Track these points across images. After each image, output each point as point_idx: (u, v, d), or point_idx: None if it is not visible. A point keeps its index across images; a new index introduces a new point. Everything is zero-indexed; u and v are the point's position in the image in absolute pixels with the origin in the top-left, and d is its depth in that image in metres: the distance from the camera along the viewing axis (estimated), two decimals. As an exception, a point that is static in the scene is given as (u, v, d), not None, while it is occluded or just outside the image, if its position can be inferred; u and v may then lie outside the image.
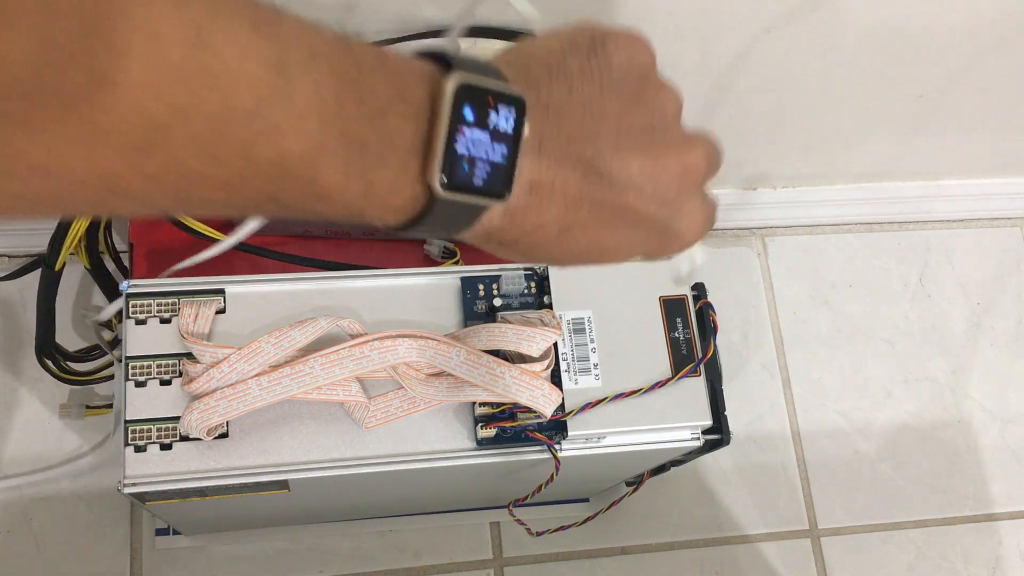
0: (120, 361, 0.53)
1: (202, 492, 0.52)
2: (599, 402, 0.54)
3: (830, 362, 0.98)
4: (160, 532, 0.81)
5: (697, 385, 0.56)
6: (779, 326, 0.99)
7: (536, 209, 0.31)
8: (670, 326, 0.57)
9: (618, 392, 0.54)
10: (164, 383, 0.52)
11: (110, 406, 0.80)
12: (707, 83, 0.75)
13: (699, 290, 0.59)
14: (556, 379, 0.54)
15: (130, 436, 0.51)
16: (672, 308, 0.57)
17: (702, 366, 0.56)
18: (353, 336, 0.53)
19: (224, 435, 0.52)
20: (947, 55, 0.75)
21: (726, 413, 0.57)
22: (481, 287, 0.56)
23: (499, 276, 0.57)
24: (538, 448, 0.54)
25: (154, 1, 0.22)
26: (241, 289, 0.54)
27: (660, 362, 0.56)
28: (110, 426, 0.79)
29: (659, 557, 0.88)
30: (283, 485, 0.53)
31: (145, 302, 0.53)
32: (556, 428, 0.54)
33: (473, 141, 0.28)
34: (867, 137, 0.89)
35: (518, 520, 0.64)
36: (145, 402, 0.51)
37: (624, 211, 0.33)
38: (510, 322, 0.53)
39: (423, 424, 0.54)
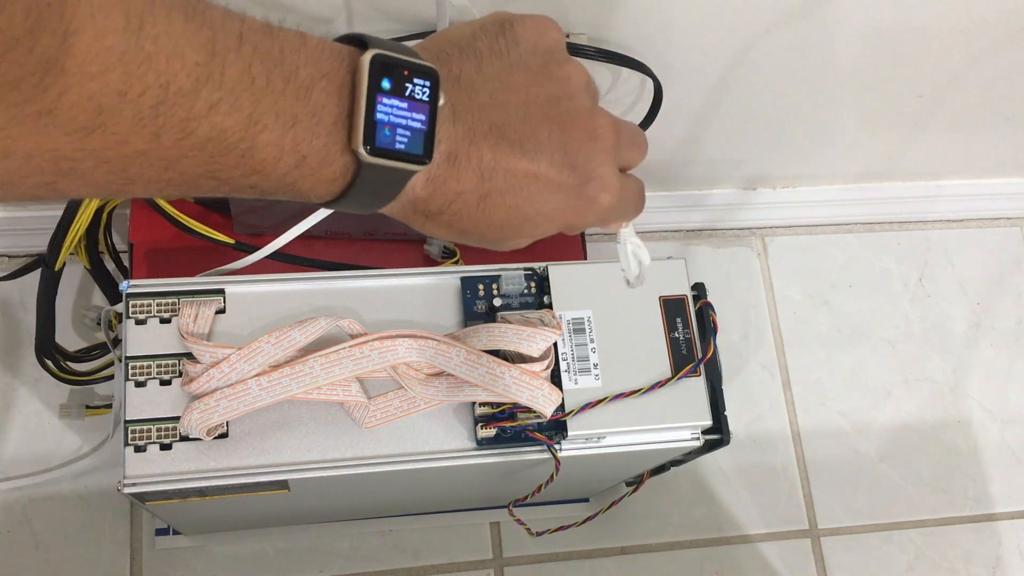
0: (120, 361, 0.53)
1: (202, 492, 0.52)
2: (599, 402, 0.54)
3: (830, 362, 0.98)
4: (160, 532, 0.81)
5: (697, 385, 0.56)
6: (779, 326, 0.99)
7: (455, 176, 0.33)
8: (670, 326, 0.57)
9: (618, 392, 0.54)
10: (164, 383, 0.52)
11: (110, 406, 0.80)
12: (707, 83, 0.75)
13: (699, 290, 0.59)
14: (556, 379, 0.54)
15: (130, 436, 0.51)
16: (672, 308, 0.57)
17: (702, 366, 0.56)
18: (353, 336, 0.53)
19: (224, 435, 0.52)
20: (947, 55, 0.75)
21: (726, 413, 0.57)
22: (481, 287, 0.56)
23: (499, 276, 0.57)
24: (538, 448, 0.54)
25: None
26: (241, 289, 0.54)
27: (660, 362, 0.56)
28: (110, 426, 0.79)
29: (659, 557, 0.88)
30: (283, 485, 0.53)
31: (145, 302, 0.53)
32: (556, 428, 0.54)
33: (392, 109, 0.31)
34: (867, 137, 0.89)
35: (518, 520, 0.64)
36: (145, 402, 0.51)
37: (537, 177, 0.35)
38: (510, 322, 0.53)
39: (423, 424, 0.54)
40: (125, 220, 0.72)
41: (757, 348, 0.97)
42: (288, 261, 0.66)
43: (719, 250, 1.01)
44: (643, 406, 0.55)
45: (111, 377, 0.76)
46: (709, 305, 0.57)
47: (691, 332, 0.57)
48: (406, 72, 0.31)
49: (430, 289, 0.56)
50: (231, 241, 0.64)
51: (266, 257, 0.66)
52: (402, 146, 0.31)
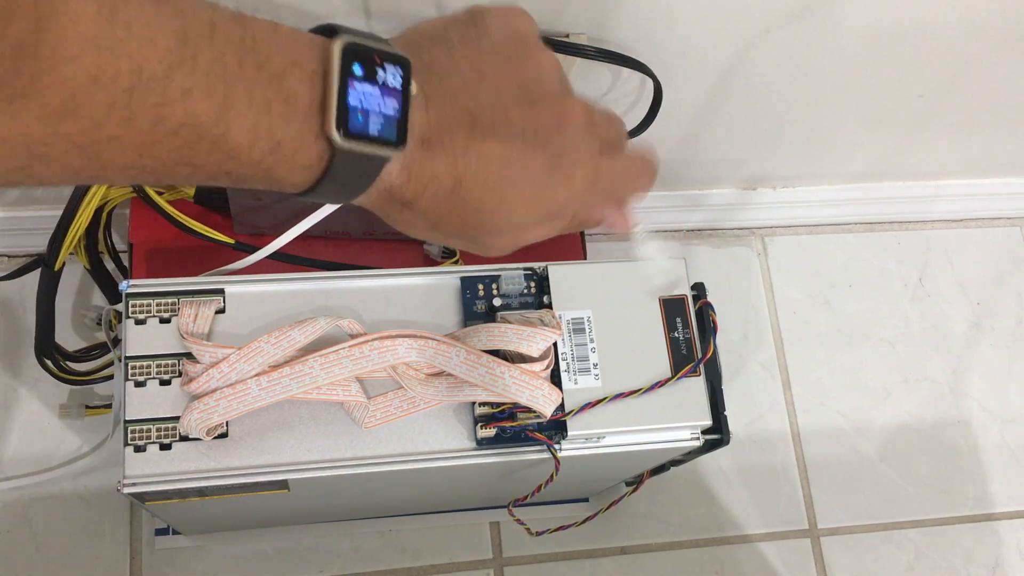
0: (120, 361, 0.53)
1: (202, 492, 0.52)
2: (599, 402, 0.54)
3: (830, 362, 0.98)
4: (160, 532, 0.81)
5: (697, 385, 0.56)
6: (779, 326, 0.99)
7: (430, 161, 0.34)
8: (670, 326, 0.57)
9: (618, 392, 0.54)
10: (164, 383, 0.52)
11: (110, 406, 0.80)
12: (707, 83, 0.75)
13: (699, 290, 0.59)
14: (556, 379, 0.54)
15: (130, 436, 0.51)
16: (672, 308, 0.57)
17: (702, 366, 0.56)
18: (353, 336, 0.53)
19: (224, 435, 0.52)
20: (947, 55, 0.75)
21: (726, 413, 0.57)
22: (481, 287, 0.56)
23: (499, 276, 0.57)
24: (538, 448, 0.54)
25: None
26: (241, 289, 0.54)
27: (660, 362, 0.56)
28: (110, 426, 0.79)
29: (659, 557, 0.88)
30: (283, 485, 0.53)
31: (145, 302, 0.53)
32: (556, 428, 0.54)
33: (364, 95, 0.31)
34: (867, 137, 0.89)
35: (518, 520, 0.64)
36: (145, 402, 0.51)
37: (510, 159, 0.35)
38: (510, 322, 0.53)
39: (423, 424, 0.54)
40: (125, 220, 0.72)
41: (757, 348, 0.97)
42: (288, 261, 0.66)
43: (719, 250, 1.01)
44: (643, 406, 0.55)
45: (111, 377, 0.76)
46: (709, 305, 0.57)
47: (691, 332, 0.57)
48: (377, 59, 0.31)
49: (430, 289, 0.56)
50: (231, 241, 0.64)
51: (266, 257, 0.66)
52: (376, 131, 0.31)
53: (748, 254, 1.01)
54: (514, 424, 0.53)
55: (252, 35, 0.29)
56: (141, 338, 0.52)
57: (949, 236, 1.06)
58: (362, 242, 0.72)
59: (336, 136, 0.30)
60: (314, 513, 0.75)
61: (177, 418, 0.51)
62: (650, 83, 0.68)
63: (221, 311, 0.54)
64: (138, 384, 0.52)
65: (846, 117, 0.84)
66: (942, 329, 1.02)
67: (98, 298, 0.85)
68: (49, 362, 0.73)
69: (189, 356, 0.52)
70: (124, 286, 0.53)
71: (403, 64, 0.32)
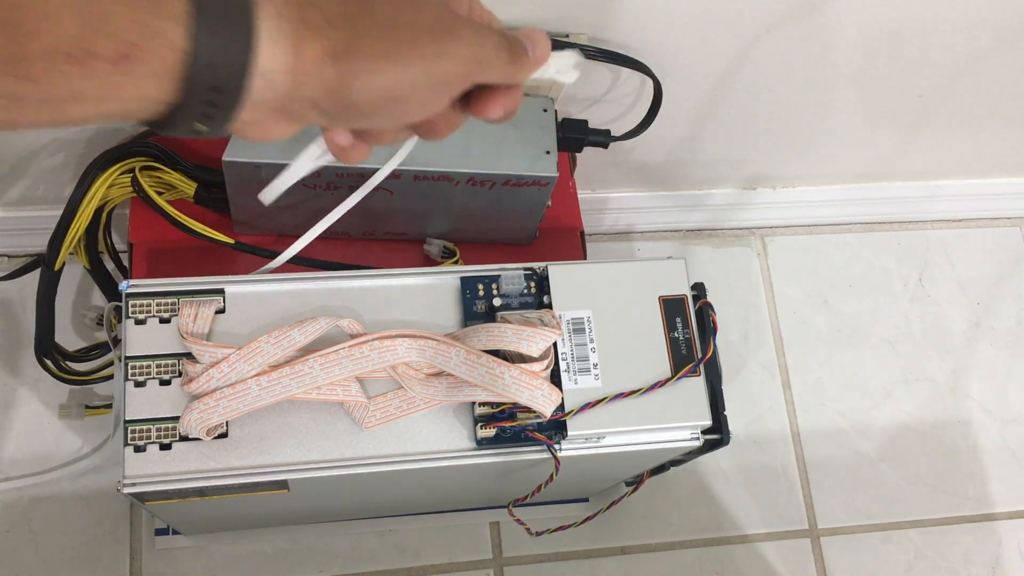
0: (120, 360, 0.53)
1: (202, 492, 0.52)
2: (599, 402, 0.54)
3: (830, 362, 0.98)
4: (160, 532, 0.81)
5: (697, 385, 0.56)
6: (779, 326, 0.99)
7: (312, 34, 0.32)
8: (670, 326, 0.57)
9: (618, 392, 0.54)
10: (164, 383, 0.52)
11: (109, 406, 0.80)
12: (707, 83, 0.75)
13: (699, 290, 0.59)
14: (556, 379, 0.54)
15: (130, 436, 0.51)
16: (672, 308, 0.57)
17: (702, 366, 0.56)
18: (353, 336, 0.53)
19: (223, 435, 0.52)
20: (947, 55, 0.75)
21: (726, 413, 0.57)
22: (481, 287, 0.56)
23: (499, 276, 0.57)
24: (538, 448, 0.54)
25: None
26: (241, 289, 0.54)
27: (660, 362, 0.56)
28: (110, 426, 0.79)
29: (659, 557, 0.88)
30: (283, 485, 0.53)
31: (145, 302, 0.53)
32: (556, 428, 0.54)
33: None
34: (867, 137, 0.89)
35: (518, 520, 0.64)
36: (145, 402, 0.51)
37: (396, 20, 0.33)
38: (510, 322, 0.53)
39: (423, 424, 0.54)
40: (125, 220, 0.72)
41: (757, 348, 0.97)
42: (288, 261, 0.66)
43: (719, 250, 1.01)
44: (643, 406, 0.55)
45: (111, 377, 0.76)
46: (709, 305, 0.57)
47: (691, 332, 0.57)
48: None
49: (430, 289, 0.56)
50: (231, 241, 0.64)
51: (264, 257, 0.67)
52: None
53: (748, 254, 1.01)
54: (514, 424, 0.53)
55: None
56: (141, 338, 0.52)
57: (949, 236, 1.06)
58: (362, 242, 0.72)
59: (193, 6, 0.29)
60: (314, 513, 0.75)
61: (177, 418, 0.51)
62: (650, 83, 0.68)
63: (221, 311, 0.54)
64: (138, 384, 0.52)
65: (846, 117, 0.84)
66: (942, 329, 1.02)
67: (98, 298, 0.85)
68: (49, 362, 0.73)
69: (189, 356, 0.52)
70: (124, 286, 0.53)
71: None
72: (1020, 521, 0.96)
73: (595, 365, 0.55)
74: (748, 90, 0.76)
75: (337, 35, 0.33)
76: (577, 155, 0.76)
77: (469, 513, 0.85)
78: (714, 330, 0.57)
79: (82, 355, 0.77)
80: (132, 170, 0.65)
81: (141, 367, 0.52)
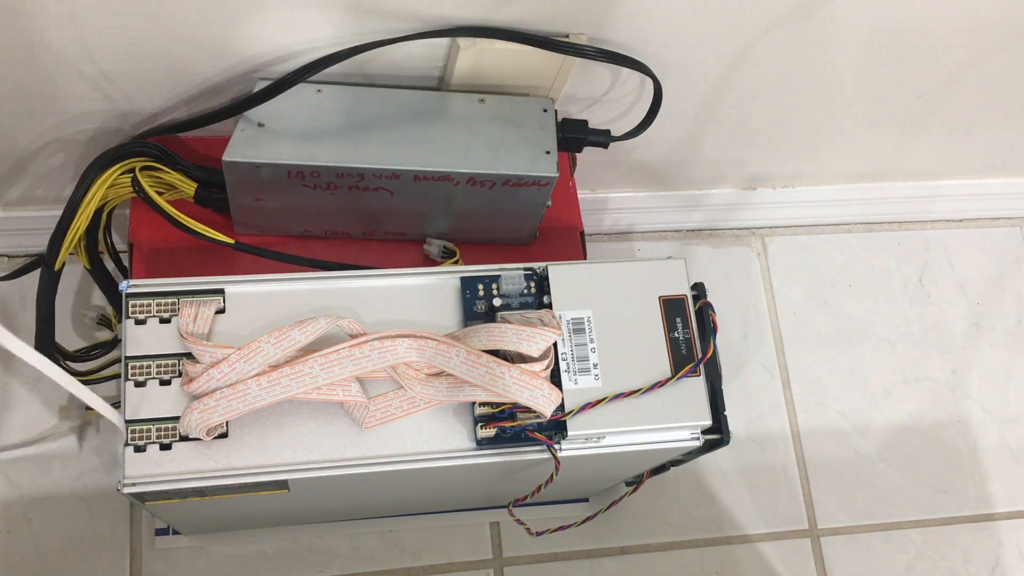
0: (120, 361, 0.53)
1: (202, 492, 0.52)
2: (599, 402, 0.54)
3: (830, 362, 0.98)
4: (160, 532, 0.81)
5: (697, 385, 0.56)
6: (779, 326, 0.99)
7: None
8: (670, 326, 0.57)
9: (618, 392, 0.54)
10: (164, 383, 0.52)
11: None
12: (707, 83, 0.75)
13: (699, 290, 0.59)
14: (556, 379, 0.54)
15: (130, 436, 0.51)
16: (672, 308, 0.57)
17: (702, 366, 0.56)
18: (353, 336, 0.53)
19: (224, 435, 0.52)
20: (947, 55, 0.75)
21: (726, 413, 0.57)
22: (481, 287, 0.56)
23: (499, 276, 0.57)
24: (538, 448, 0.54)
25: None
26: (241, 289, 0.54)
27: (660, 362, 0.56)
28: (110, 427, 0.79)
29: (659, 557, 0.88)
30: (283, 485, 0.53)
31: (145, 302, 0.53)
32: (556, 428, 0.54)
33: None
34: (867, 137, 0.89)
35: (518, 520, 0.64)
36: (145, 402, 0.51)
37: None
38: (510, 322, 0.53)
39: (423, 424, 0.54)
40: (125, 220, 0.72)
41: (757, 348, 0.97)
42: (288, 261, 0.66)
43: (719, 250, 1.01)
44: (643, 406, 0.55)
45: (111, 377, 0.76)
46: (709, 305, 0.57)
47: (691, 332, 0.57)
48: None
49: (430, 289, 0.56)
50: (231, 241, 0.65)
51: (264, 257, 0.67)
52: None
53: (748, 254, 1.01)
54: (514, 424, 0.53)
55: None
56: (141, 338, 0.52)
57: (949, 236, 1.06)
58: (362, 242, 0.72)
59: None
60: (314, 513, 0.75)
61: (177, 418, 0.51)
62: (650, 83, 0.68)
63: (221, 311, 0.54)
64: (138, 384, 0.52)
65: (846, 117, 0.84)
66: (942, 329, 1.02)
67: (98, 298, 0.85)
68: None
69: (189, 356, 0.52)
70: (124, 286, 0.53)
71: None
72: (1020, 521, 0.96)
73: (595, 365, 0.55)
74: (748, 90, 0.76)
75: None
76: (577, 155, 0.76)
77: (469, 513, 0.85)
78: (714, 330, 0.57)
79: (82, 355, 0.77)
80: (132, 170, 0.65)
81: (141, 367, 0.52)
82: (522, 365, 0.52)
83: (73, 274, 0.83)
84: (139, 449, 0.51)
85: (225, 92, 0.66)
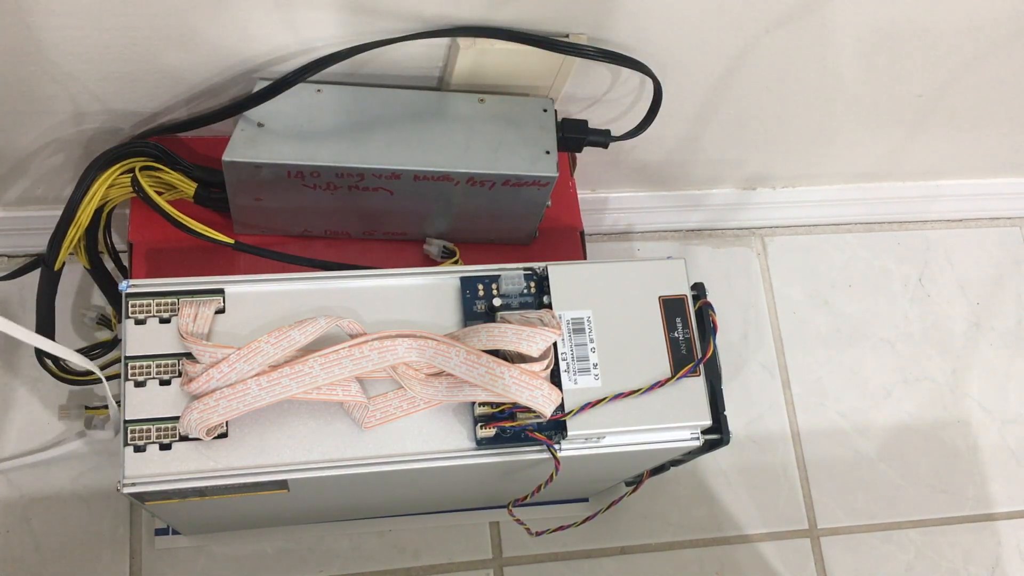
0: (120, 361, 0.53)
1: (201, 492, 0.52)
2: (599, 402, 0.54)
3: (830, 362, 0.98)
4: (160, 532, 0.81)
5: (697, 385, 0.56)
6: (779, 326, 0.99)
7: None
8: (670, 326, 0.57)
9: (618, 392, 0.54)
10: (164, 383, 0.52)
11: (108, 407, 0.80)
12: (707, 83, 0.75)
13: (699, 290, 0.59)
14: (556, 379, 0.54)
15: (130, 436, 0.51)
16: (672, 308, 0.57)
17: (702, 366, 0.56)
18: (352, 336, 0.53)
19: (223, 435, 0.52)
20: (947, 55, 0.75)
21: (726, 413, 0.57)
22: (481, 287, 0.56)
23: (499, 276, 0.57)
24: (538, 448, 0.54)
25: None
26: (241, 289, 0.54)
27: (660, 362, 0.56)
28: (110, 427, 0.79)
29: (659, 557, 0.88)
30: (282, 485, 0.53)
31: (144, 302, 0.53)
32: (556, 428, 0.54)
33: None
34: (867, 137, 0.89)
35: (518, 520, 0.64)
36: (145, 402, 0.51)
37: None
38: (510, 322, 0.53)
39: (423, 424, 0.54)
40: (125, 220, 0.72)
41: (757, 348, 0.97)
42: (288, 261, 0.66)
43: (719, 250, 1.01)
44: (643, 406, 0.55)
45: (111, 377, 0.76)
46: (709, 305, 0.57)
47: (691, 332, 0.57)
48: None
49: (430, 289, 0.56)
50: (231, 241, 0.65)
51: (264, 257, 0.67)
52: None
53: (748, 254, 1.01)
54: (514, 424, 0.53)
55: None
56: (141, 338, 0.52)
57: (949, 236, 1.06)
58: (362, 242, 0.72)
59: None
60: (314, 513, 0.75)
61: (177, 418, 0.51)
62: (650, 83, 0.68)
63: (221, 311, 0.54)
64: (138, 384, 0.52)
65: (846, 117, 0.84)
66: (942, 329, 1.02)
67: (98, 298, 0.85)
68: (49, 362, 0.73)
69: (189, 356, 0.52)
70: (124, 286, 0.53)
71: None
72: (1020, 521, 0.96)
73: (595, 365, 0.55)
74: (748, 90, 0.76)
75: None
76: (577, 155, 0.76)
77: (469, 513, 0.85)
78: (714, 330, 0.57)
79: (82, 355, 0.77)
80: (132, 170, 0.65)
81: (141, 367, 0.52)
82: (522, 365, 0.52)
83: (73, 274, 0.83)
84: (139, 449, 0.51)
85: (225, 92, 0.66)
